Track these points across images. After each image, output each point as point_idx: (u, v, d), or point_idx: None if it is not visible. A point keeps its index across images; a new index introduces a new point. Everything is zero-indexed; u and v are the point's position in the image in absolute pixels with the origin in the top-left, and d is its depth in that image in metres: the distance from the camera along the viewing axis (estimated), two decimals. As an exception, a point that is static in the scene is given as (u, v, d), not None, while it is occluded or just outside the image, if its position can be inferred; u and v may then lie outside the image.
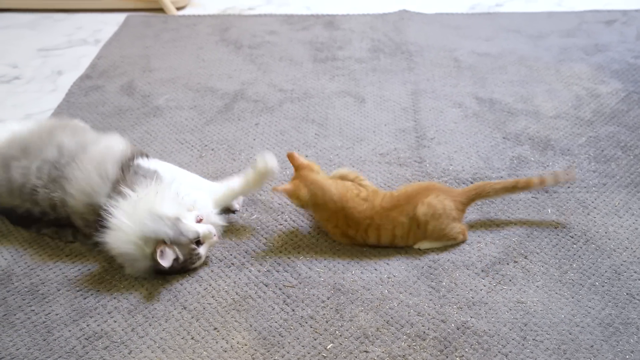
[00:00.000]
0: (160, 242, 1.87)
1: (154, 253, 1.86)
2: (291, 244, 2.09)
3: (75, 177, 1.98)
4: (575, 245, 2.06)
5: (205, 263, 2.02)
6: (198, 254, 1.94)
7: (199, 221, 1.98)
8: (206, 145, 2.60)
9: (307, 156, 2.50)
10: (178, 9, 3.96)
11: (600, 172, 2.37)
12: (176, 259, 1.90)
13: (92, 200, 1.95)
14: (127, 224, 1.88)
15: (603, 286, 1.91)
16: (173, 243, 1.88)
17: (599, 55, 3.21)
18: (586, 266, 1.99)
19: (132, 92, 3.01)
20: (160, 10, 3.91)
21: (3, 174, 2.07)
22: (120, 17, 3.84)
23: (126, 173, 2.00)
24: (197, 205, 2.01)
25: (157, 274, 1.94)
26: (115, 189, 1.95)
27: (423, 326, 1.80)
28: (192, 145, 2.60)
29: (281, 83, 3.05)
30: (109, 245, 1.91)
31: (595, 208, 2.21)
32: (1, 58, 3.42)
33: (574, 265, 1.99)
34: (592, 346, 1.73)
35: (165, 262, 1.86)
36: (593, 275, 1.95)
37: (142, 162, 2.08)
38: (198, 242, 1.94)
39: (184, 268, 1.96)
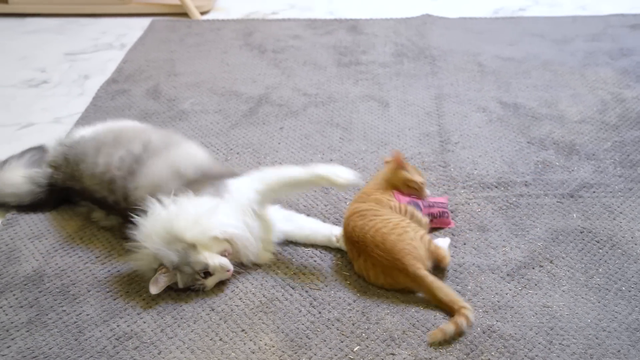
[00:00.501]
0: (161, 266, 1.89)
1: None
2: (317, 247, 2.11)
3: (149, 171, 2.06)
4: (601, 250, 2.06)
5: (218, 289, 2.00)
6: (202, 284, 1.92)
7: (224, 254, 1.95)
8: (231, 149, 2.62)
9: (331, 160, 2.52)
10: (202, 13, 4.00)
11: (626, 177, 2.37)
12: (175, 284, 1.92)
13: (156, 194, 1.99)
14: (145, 236, 1.91)
15: (630, 291, 1.91)
16: (175, 269, 1.89)
17: (624, 59, 3.20)
18: (612, 271, 1.98)
19: (158, 96, 3.05)
20: (185, 14, 3.95)
21: (93, 157, 2.16)
22: (145, 21, 3.89)
23: (201, 182, 2.02)
24: (235, 239, 1.96)
25: None
26: (179, 191, 1.99)
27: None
28: (218, 149, 2.62)
29: (305, 87, 3.07)
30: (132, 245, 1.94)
31: (621, 213, 2.21)
32: (30, 62, 3.47)
33: (600, 270, 1.99)
34: (619, 351, 1.73)
35: (153, 288, 1.87)
36: (619, 280, 1.95)
37: (229, 181, 2.06)
38: (207, 273, 1.92)
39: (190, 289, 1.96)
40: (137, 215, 1.95)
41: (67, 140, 2.34)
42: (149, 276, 1.91)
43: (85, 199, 2.21)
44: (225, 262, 1.93)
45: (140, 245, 1.92)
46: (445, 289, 1.85)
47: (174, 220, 1.91)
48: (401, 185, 2.10)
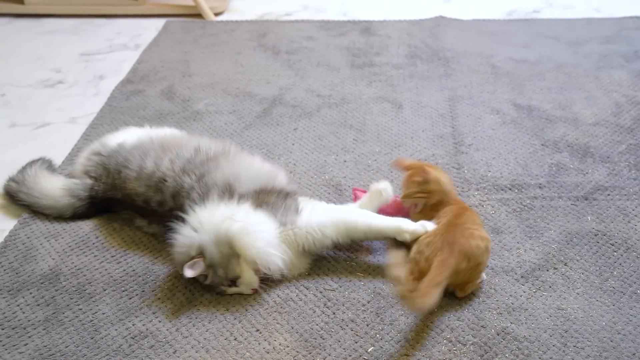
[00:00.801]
0: (201, 255, 1.89)
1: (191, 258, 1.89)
2: (331, 248, 2.12)
3: (208, 174, 2.05)
4: (615, 253, 2.06)
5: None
6: (224, 290, 1.94)
7: (257, 272, 1.94)
8: (245, 150, 2.63)
9: (345, 161, 2.53)
10: (216, 14, 4.02)
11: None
12: (204, 277, 1.91)
13: (231, 188, 2.00)
14: (199, 222, 1.91)
15: (644, 294, 1.91)
16: (210, 267, 1.90)
17: (639, 62, 3.19)
18: (627, 274, 1.98)
19: (172, 96, 3.07)
20: (199, 16, 3.97)
21: (139, 161, 2.15)
22: (159, 22, 3.91)
23: (267, 194, 2.01)
24: (272, 267, 1.93)
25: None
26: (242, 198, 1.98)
27: (463, 331, 1.81)
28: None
29: (319, 88, 3.08)
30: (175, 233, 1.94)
31: (636, 216, 2.20)
32: (45, 62, 3.50)
33: (615, 272, 1.99)
34: (634, 354, 1.73)
35: (189, 272, 1.86)
36: (634, 283, 1.95)
37: (303, 199, 2.07)
38: (234, 283, 1.92)
39: (206, 287, 1.97)
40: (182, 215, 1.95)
41: (102, 149, 2.30)
42: (180, 260, 1.90)
43: (126, 208, 2.20)
44: (255, 282, 1.93)
45: (192, 227, 1.91)
46: None
47: (238, 229, 1.89)
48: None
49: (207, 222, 1.91)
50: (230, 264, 1.89)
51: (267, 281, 1.96)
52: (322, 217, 1.98)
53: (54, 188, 2.29)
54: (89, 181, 2.26)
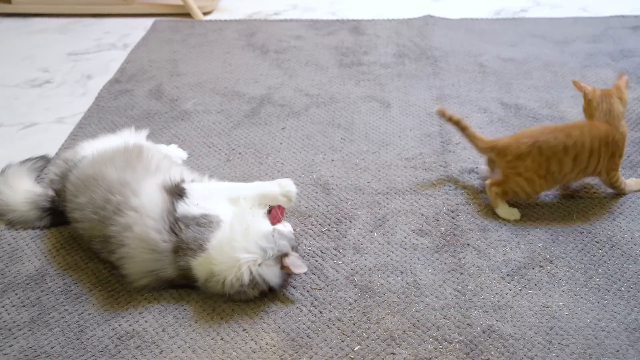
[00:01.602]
0: (285, 255, 1.89)
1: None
2: (318, 247, 2.12)
3: (128, 262, 1.93)
4: (600, 251, 2.07)
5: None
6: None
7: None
8: (233, 149, 2.63)
9: (333, 160, 2.53)
10: (205, 14, 4.01)
11: (626, 177, 2.37)
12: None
13: (159, 276, 1.93)
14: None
15: (629, 291, 1.92)
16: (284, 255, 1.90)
17: (625, 60, 3.20)
18: (612, 271, 1.99)
19: (161, 96, 3.06)
20: (187, 15, 3.96)
21: (74, 199, 2.06)
22: (148, 22, 3.90)
23: (180, 233, 1.89)
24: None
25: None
26: (179, 254, 1.89)
27: (449, 329, 1.82)
28: (220, 149, 2.64)
29: (307, 88, 3.08)
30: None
31: (621, 214, 2.22)
32: (33, 62, 3.49)
33: (600, 270, 2.00)
34: (617, 351, 1.74)
35: (304, 267, 1.90)
36: (619, 280, 1.96)
37: (184, 206, 1.94)
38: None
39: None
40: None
41: (70, 157, 2.21)
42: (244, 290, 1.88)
43: None
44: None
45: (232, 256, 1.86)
46: None
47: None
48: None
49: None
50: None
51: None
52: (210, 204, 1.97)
53: (20, 201, 2.22)
54: (50, 192, 2.20)
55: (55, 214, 2.19)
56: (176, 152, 2.53)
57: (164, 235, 1.89)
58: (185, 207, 1.93)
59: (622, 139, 2.21)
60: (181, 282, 1.94)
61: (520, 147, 2.16)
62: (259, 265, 1.86)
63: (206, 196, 1.98)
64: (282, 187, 2.04)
